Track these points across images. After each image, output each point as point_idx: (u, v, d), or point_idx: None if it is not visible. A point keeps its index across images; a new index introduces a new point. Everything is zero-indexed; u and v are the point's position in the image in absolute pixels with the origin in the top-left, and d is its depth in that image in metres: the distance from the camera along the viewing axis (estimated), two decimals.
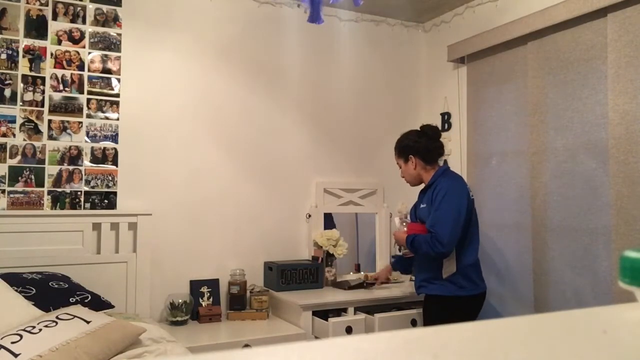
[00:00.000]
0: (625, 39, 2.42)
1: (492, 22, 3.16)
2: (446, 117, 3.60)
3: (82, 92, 2.85)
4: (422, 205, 2.64)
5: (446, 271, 2.50)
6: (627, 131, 2.40)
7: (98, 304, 2.40)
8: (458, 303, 2.47)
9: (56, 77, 2.80)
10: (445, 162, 3.21)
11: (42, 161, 2.75)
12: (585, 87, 2.64)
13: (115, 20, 2.93)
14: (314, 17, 2.11)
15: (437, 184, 2.57)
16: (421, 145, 2.63)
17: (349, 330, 2.73)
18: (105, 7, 2.91)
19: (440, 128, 3.56)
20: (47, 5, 2.79)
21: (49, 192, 2.75)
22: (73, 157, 2.82)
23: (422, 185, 2.72)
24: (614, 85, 2.46)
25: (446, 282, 2.50)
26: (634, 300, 0.52)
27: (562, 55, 2.75)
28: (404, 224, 2.73)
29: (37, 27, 2.77)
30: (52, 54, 2.80)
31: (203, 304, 2.96)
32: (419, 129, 2.73)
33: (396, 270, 3.13)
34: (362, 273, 3.49)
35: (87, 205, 2.83)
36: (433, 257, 2.50)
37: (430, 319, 2.58)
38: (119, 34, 2.94)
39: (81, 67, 2.86)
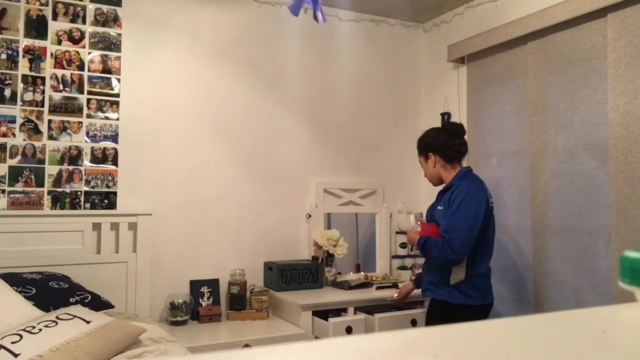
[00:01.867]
0: (625, 39, 2.42)
1: (492, 22, 3.16)
2: (446, 117, 3.59)
3: (82, 92, 2.85)
4: (439, 207, 2.52)
5: (454, 278, 2.41)
6: (627, 131, 2.40)
7: (98, 304, 2.40)
8: (463, 312, 2.37)
9: (56, 77, 2.80)
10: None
11: (42, 161, 2.75)
12: (585, 87, 2.64)
13: (115, 20, 2.93)
14: (315, 15, 2.10)
15: (455, 186, 2.45)
16: (440, 142, 2.52)
17: (349, 330, 2.73)
18: (105, 7, 2.91)
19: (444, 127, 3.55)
20: (47, 5, 2.79)
21: (49, 192, 2.75)
22: (73, 157, 2.82)
23: (442, 186, 2.60)
24: (614, 85, 2.46)
25: (453, 289, 2.40)
26: (634, 300, 0.52)
27: (562, 55, 2.75)
28: (418, 222, 2.66)
29: (37, 27, 2.77)
30: (52, 54, 2.80)
31: (203, 304, 2.96)
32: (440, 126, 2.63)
33: (418, 288, 2.87)
34: (362, 273, 3.49)
35: (87, 205, 2.83)
36: (443, 262, 2.41)
37: (432, 323, 2.49)
38: (119, 34, 2.94)
39: (81, 67, 2.86)
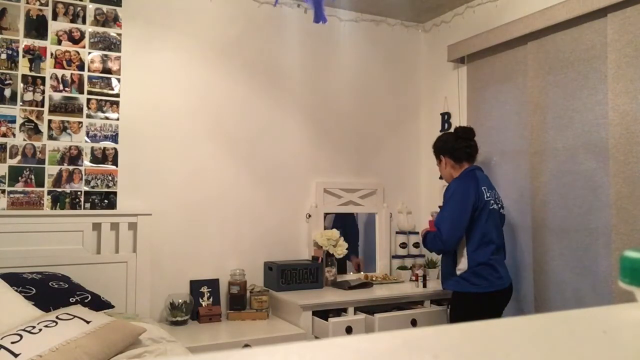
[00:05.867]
0: (625, 39, 2.42)
1: (492, 22, 3.16)
2: (446, 117, 3.59)
3: (82, 92, 2.85)
4: (439, 205, 2.83)
5: (459, 268, 2.63)
6: (627, 131, 2.40)
7: (98, 304, 2.40)
8: (476, 299, 2.56)
9: (56, 77, 2.80)
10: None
11: (42, 161, 2.75)
12: (585, 87, 2.64)
13: (115, 20, 2.93)
14: (319, 16, 2.10)
15: (449, 185, 2.71)
16: (448, 145, 2.78)
17: (349, 330, 2.73)
18: (105, 7, 2.91)
19: (440, 128, 3.59)
20: (47, 5, 2.79)
21: (49, 192, 2.75)
22: (73, 157, 2.82)
23: None
24: (614, 85, 2.46)
25: (460, 279, 2.62)
26: (634, 300, 0.52)
27: (562, 55, 2.75)
28: (429, 221, 2.91)
29: (37, 27, 2.77)
30: (52, 54, 2.80)
31: (203, 304, 2.96)
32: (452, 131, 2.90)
33: None
34: (362, 273, 3.49)
35: (87, 205, 2.83)
36: (437, 252, 2.72)
37: (453, 312, 2.72)
38: (119, 34, 2.94)
39: (81, 67, 2.86)
